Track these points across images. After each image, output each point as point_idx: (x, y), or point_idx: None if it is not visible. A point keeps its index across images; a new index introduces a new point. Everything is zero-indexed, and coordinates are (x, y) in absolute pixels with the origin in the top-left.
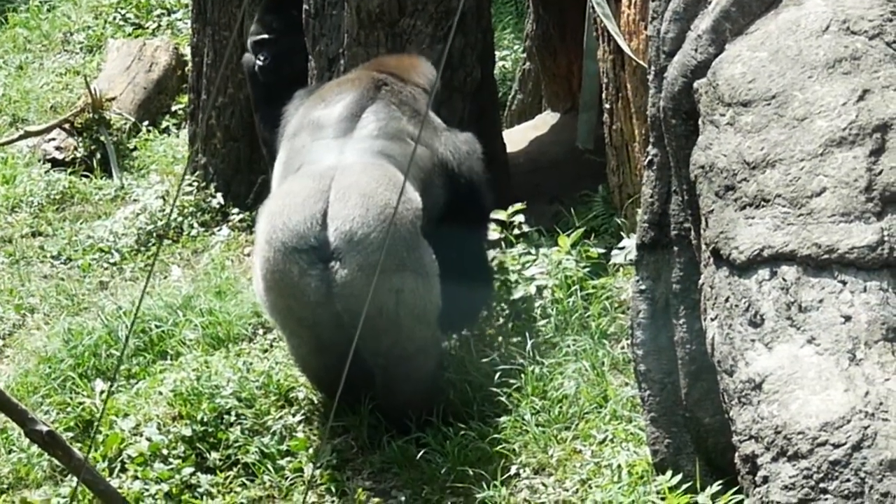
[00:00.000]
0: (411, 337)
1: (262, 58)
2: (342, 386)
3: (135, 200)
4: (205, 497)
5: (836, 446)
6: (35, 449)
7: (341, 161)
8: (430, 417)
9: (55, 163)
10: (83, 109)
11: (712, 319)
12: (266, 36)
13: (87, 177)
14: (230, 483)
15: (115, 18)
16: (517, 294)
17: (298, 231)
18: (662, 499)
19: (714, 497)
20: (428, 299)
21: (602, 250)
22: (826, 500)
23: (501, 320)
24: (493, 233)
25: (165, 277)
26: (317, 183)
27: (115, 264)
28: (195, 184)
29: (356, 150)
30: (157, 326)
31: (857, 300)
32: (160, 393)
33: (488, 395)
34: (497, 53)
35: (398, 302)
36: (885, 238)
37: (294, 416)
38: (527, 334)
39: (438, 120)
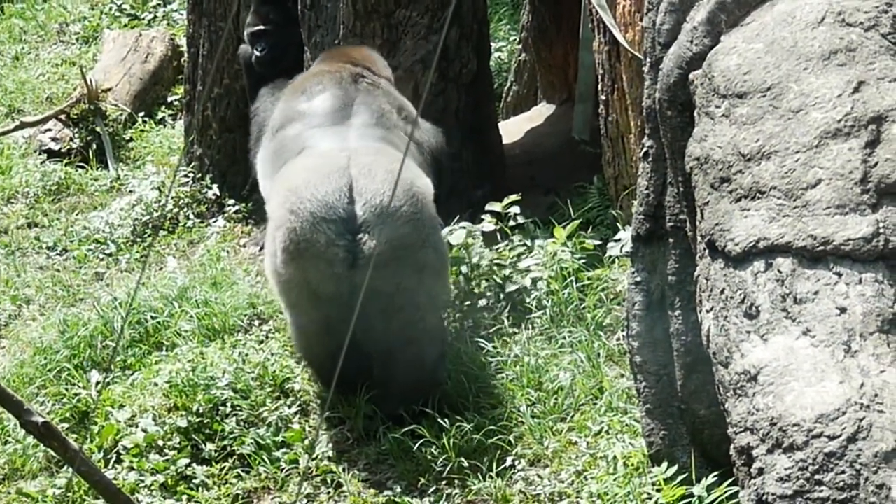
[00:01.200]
0: (423, 318)
1: (259, 49)
2: (338, 370)
3: (130, 191)
4: (200, 488)
5: (831, 438)
6: (31, 440)
7: (349, 144)
8: (426, 408)
9: (51, 153)
10: (79, 100)
11: (708, 311)
12: (263, 27)
13: (82, 168)
14: (226, 474)
15: (111, 9)
16: (512, 286)
17: (327, 202)
18: (658, 490)
19: (709, 489)
20: (443, 282)
21: (598, 242)
22: (821, 491)
23: (497, 311)
24: (489, 224)
25: (161, 268)
26: (334, 160)
27: (110, 255)
28: (191, 175)
29: (359, 136)
30: (152, 317)
31: (853, 292)
32: (156, 384)
33: (484, 386)
34: (493, 45)
35: (419, 280)
36: (881, 230)
37: (289, 407)
38: (522, 326)
39: (414, 110)
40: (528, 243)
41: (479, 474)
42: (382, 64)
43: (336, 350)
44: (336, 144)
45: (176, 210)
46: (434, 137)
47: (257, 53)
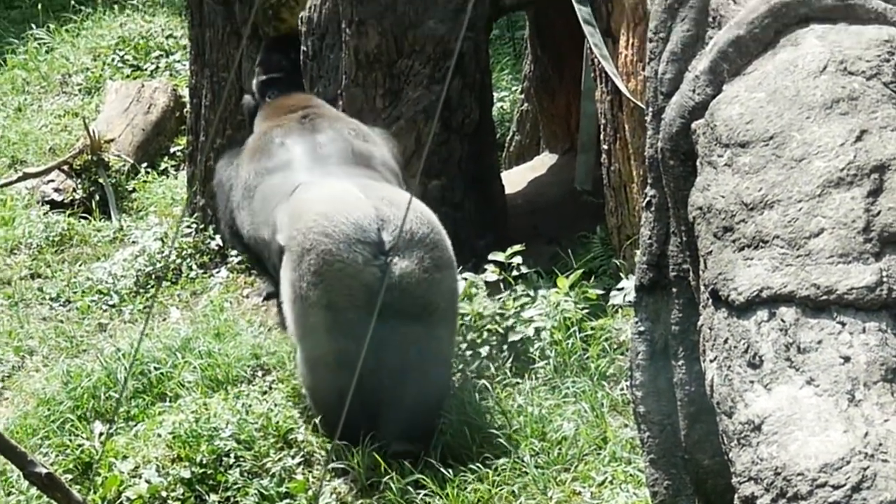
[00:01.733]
0: (442, 336)
1: (271, 97)
2: (346, 408)
3: (133, 242)
4: None
5: (835, 487)
6: (34, 491)
7: (345, 179)
8: (429, 458)
9: (54, 204)
10: (82, 151)
11: (711, 361)
12: (276, 75)
13: (85, 218)
14: None
15: (113, 60)
16: (516, 336)
17: (361, 225)
18: None
19: None
20: (456, 304)
21: (601, 291)
22: None
23: (500, 361)
24: (492, 274)
25: (164, 319)
26: (349, 190)
27: (113, 306)
28: (194, 225)
29: (345, 173)
30: (155, 368)
31: (856, 341)
32: (159, 435)
33: (487, 436)
34: (495, 94)
35: (446, 302)
36: (884, 279)
37: (293, 458)
38: (525, 375)
39: (366, 127)
40: (532, 293)
41: None
42: (319, 100)
43: (346, 387)
44: (330, 179)
45: (179, 261)
46: (391, 148)
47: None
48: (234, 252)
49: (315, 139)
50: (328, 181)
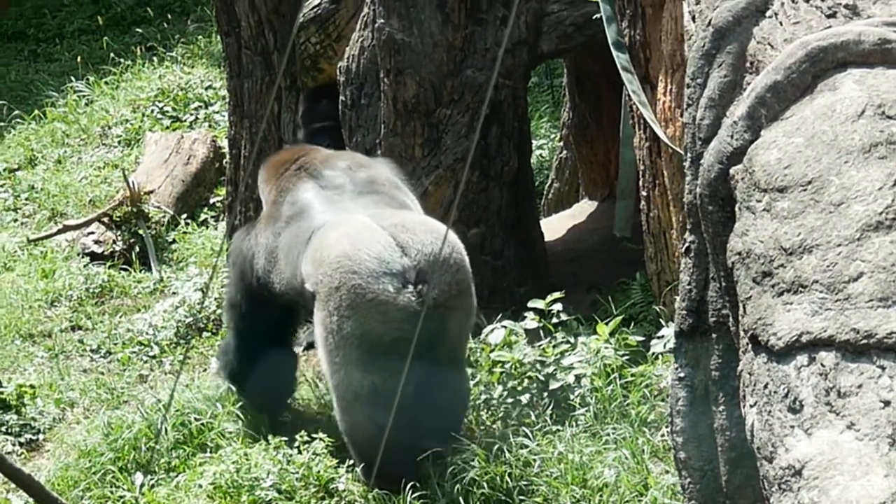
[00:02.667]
0: (464, 348)
1: (324, 145)
2: (383, 446)
3: (174, 293)
4: None
5: None
6: None
7: (355, 211)
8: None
9: (94, 256)
10: (121, 203)
11: (751, 406)
12: (325, 123)
13: (125, 270)
14: None
15: (152, 112)
16: (556, 383)
17: (383, 258)
18: None
19: None
20: (474, 318)
21: (641, 338)
22: None
23: (540, 409)
24: (532, 321)
25: (205, 370)
26: (364, 224)
27: (154, 357)
28: None
29: (360, 205)
30: (196, 419)
31: None
32: (200, 486)
33: (528, 484)
34: (534, 142)
35: (466, 322)
36: None
37: None
38: (566, 423)
39: (362, 156)
40: (572, 340)
41: None
42: (306, 147)
43: (383, 423)
44: (344, 217)
45: (219, 311)
46: (392, 167)
47: None
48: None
49: (317, 183)
50: (342, 219)
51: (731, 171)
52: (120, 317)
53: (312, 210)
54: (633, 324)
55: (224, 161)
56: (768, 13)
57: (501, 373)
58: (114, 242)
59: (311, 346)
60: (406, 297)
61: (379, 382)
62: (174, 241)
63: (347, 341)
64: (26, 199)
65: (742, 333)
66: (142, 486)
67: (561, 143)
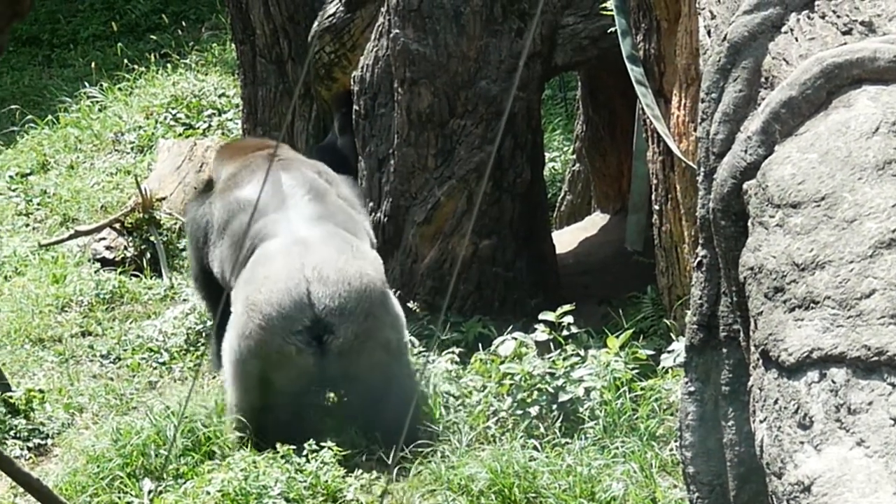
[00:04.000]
0: (399, 375)
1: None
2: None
3: (184, 300)
4: None
5: None
6: None
7: (296, 234)
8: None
9: (105, 262)
10: (133, 209)
11: (761, 421)
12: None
13: (136, 276)
14: None
15: (165, 118)
16: (565, 395)
17: (291, 316)
18: None
19: None
20: (403, 340)
21: (651, 352)
22: None
23: (549, 421)
24: (542, 333)
25: (214, 377)
26: (289, 263)
27: (164, 364)
28: None
29: (304, 221)
30: (204, 426)
31: None
32: (208, 493)
33: (536, 496)
34: (547, 154)
35: (388, 353)
36: None
37: None
38: (575, 435)
39: (328, 169)
40: (582, 353)
41: None
42: (270, 140)
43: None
44: (284, 236)
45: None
46: (351, 185)
47: None
48: None
49: (280, 178)
50: (280, 244)
51: (745, 185)
52: (130, 323)
53: (265, 209)
54: (643, 337)
55: None
56: (784, 29)
57: (511, 384)
58: (125, 248)
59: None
60: (306, 358)
61: (275, 415)
62: (185, 248)
63: (251, 381)
64: (38, 204)
65: (753, 349)
66: (150, 492)
67: (574, 156)
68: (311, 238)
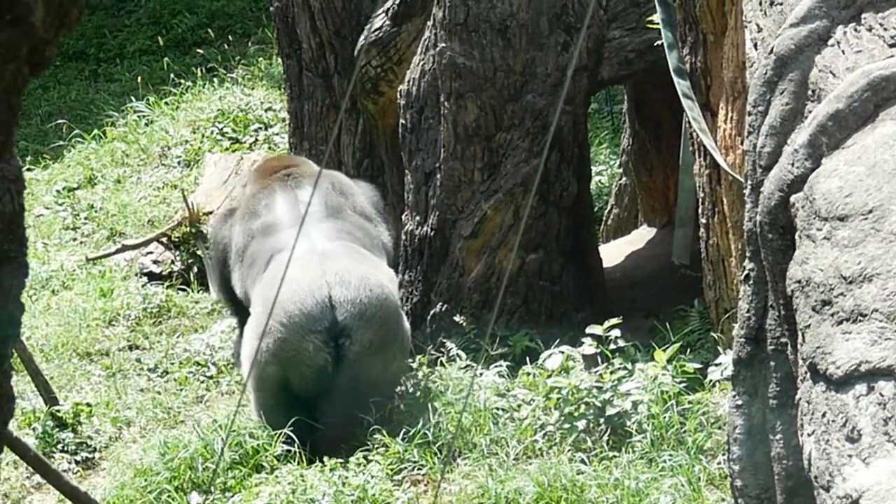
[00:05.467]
0: (388, 394)
1: None
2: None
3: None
4: None
5: None
6: None
7: (315, 246)
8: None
9: (152, 276)
10: (180, 223)
11: (809, 434)
12: None
13: (183, 290)
14: None
15: (212, 133)
16: (613, 409)
17: (313, 315)
18: None
19: None
20: (405, 368)
21: (698, 365)
22: None
23: (597, 435)
24: (589, 347)
25: None
26: (311, 271)
27: (211, 378)
28: None
29: (321, 235)
30: (252, 438)
31: None
32: None
33: None
34: (593, 168)
35: (384, 371)
36: None
37: None
38: (622, 449)
39: (343, 177)
40: (629, 366)
41: None
42: (299, 159)
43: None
44: (302, 248)
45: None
46: (371, 197)
47: None
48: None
49: (296, 196)
50: (297, 255)
51: (792, 199)
52: (177, 337)
53: (283, 223)
54: (690, 351)
55: None
56: (830, 42)
57: (558, 398)
58: (172, 263)
59: None
60: (323, 356)
61: (293, 414)
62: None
63: (269, 382)
64: (85, 218)
65: (800, 362)
66: None
67: (620, 170)
68: (328, 250)
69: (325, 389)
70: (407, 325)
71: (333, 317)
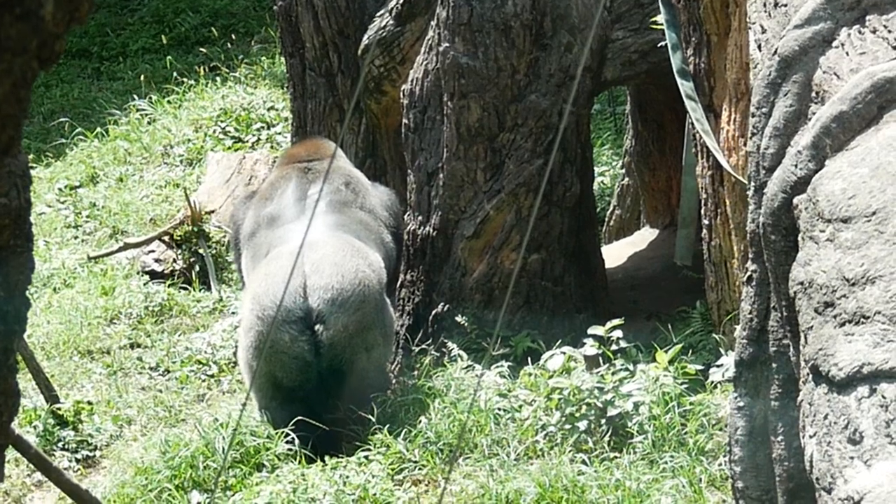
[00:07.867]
0: (372, 384)
1: None
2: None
3: (233, 313)
4: None
5: None
6: None
7: (306, 238)
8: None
9: (154, 275)
10: (182, 222)
11: (811, 436)
12: None
13: (185, 289)
14: None
15: (214, 132)
16: (614, 410)
17: (286, 305)
18: None
19: None
20: (388, 354)
21: (700, 367)
22: None
23: (598, 435)
24: (591, 348)
25: None
26: (290, 261)
27: (212, 376)
28: None
29: (315, 227)
30: (253, 437)
31: None
32: None
33: None
34: (596, 169)
35: (368, 358)
36: None
37: None
38: (624, 450)
39: (363, 178)
40: (631, 368)
41: None
42: (327, 148)
43: (295, 407)
44: (295, 241)
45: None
46: (386, 201)
47: None
48: None
49: (307, 190)
50: (284, 250)
51: (795, 200)
52: (179, 335)
53: (283, 220)
54: (692, 352)
55: None
56: (834, 43)
57: (559, 399)
58: (174, 261)
59: None
60: (300, 345)
61: (287, 401)
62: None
63: (259, 377)
64: (87, 216)
65: (803, 363)
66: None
67: (623, 171)
68: (318, 241)
69: (311, 379)
70: (391, 311)
71: (307, 305)
